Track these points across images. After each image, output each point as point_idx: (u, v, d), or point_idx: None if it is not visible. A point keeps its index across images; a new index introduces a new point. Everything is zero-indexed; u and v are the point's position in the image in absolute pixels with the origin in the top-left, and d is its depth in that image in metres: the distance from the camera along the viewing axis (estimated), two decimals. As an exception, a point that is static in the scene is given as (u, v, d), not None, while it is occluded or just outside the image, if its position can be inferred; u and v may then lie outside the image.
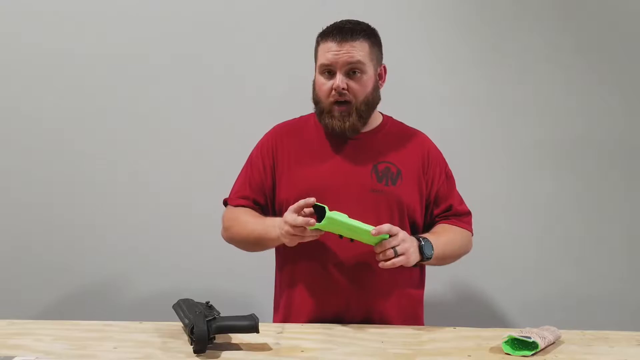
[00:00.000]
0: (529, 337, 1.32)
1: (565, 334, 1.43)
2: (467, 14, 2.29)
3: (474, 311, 2.33)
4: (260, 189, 1.65)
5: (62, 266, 2.29)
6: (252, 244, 1.61)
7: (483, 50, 2.30)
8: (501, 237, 2.29)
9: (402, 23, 2.27)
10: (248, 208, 1.65)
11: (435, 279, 2.28)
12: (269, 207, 1.65)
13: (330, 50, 1.53)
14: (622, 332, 1.48)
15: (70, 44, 2.25)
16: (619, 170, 2.32)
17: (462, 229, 1.67)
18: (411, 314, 1.62)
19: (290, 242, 1.47)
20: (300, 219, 1.41)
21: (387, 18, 2.23)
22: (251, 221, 1.60)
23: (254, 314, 1.33)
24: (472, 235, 1.71)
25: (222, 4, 2.26)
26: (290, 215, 1.43)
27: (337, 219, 1.41)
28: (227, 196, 1.70)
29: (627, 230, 2.33)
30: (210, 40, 2.26)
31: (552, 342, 1.37)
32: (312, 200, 1.43)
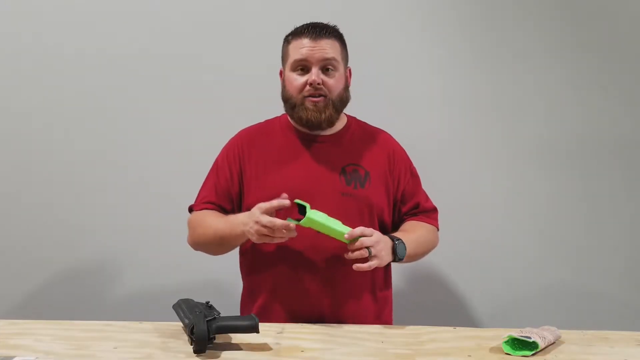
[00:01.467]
0: (529, 337, 1.32)
1: (565, 334, 1.43)
2: (467, 14, 2.28)
3: (473, 311, 2.33)
4: (227, 195, 1.64)
5: (63, 266, 2.29)
6: (217, 244, 1.59)
7: (483, 50, 2.29)
8: (501, 237, 2.29)
9: (402, 23, 2.26)
10: (211, 211, 1.64)
11: (435, 279, 2.29)
12: (236, 213, 1.62)
13: (305, 46, 1.55)
14: (622, 332, 1.48)
15: (70, 44, 2.24)
16: (619, 170, 2.32)
17: (430, 226, 1.69)
18: (379, 315, 1.62)
19: (257, 240, 1.46)
20: (279, 222, 1.40)
21: (387, 18, 2.24)
22: (215, 221, 1.59)
23: (254, 314, 1.33)
24: (438, 230, 1.73)
25: (220, 5, 2.26)
26: (264, 217, 1.41)
27: (317, 220, 1.42)
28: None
29: (627, 230, 2.33)
30: (209, 41, 2.25)
31: (552, 342, 1.37)
32: (286, 202, 1.42)
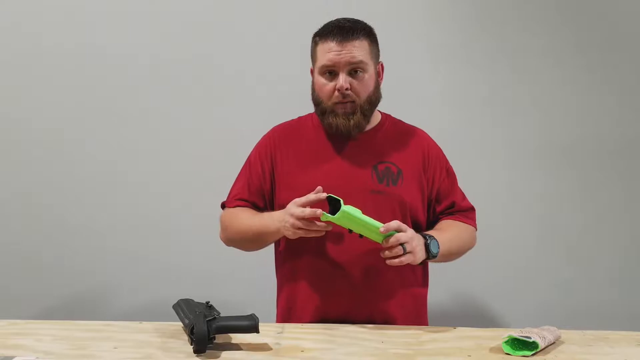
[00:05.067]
0: (529, 337, 1.31)
1: (565, 334, 1.43)
2: (468, 14, 2.29)
3: (474, 311, 2.33)
4: (259, 192, 1.65)
5: (63, 266, 2.29)
6: (250, 240, 1.60)
7: (483, 50, 2.30)
8: (501, 237, 2.29)
9: (403, 23, 2.27)
10: (245, 207, 1.64)
11: (435, 279, 2.27)
12: (268, 210, 1.64)
13: (332, 51, 1.52)
14: (622, 332, 1.48)
15: (71, 44, 2.25)
16: (619, 170, 2.32)
17: (467, 225, 1.67)
18: (415, 314, 1.61)
19: (292, 235, 1.46)
20: (308, 210, 1.41)
21: (387, 18, 2.24)
22: (249, 217, 1.60)
23: (254, 314, 1.33)
24: (476, 230, 1.71)
25: (222, 4, 2.26)
26: (296, 209, 1.43)
27: (352, 214, 1.40)
28: (225, 199, 1.70)
29: (627, 230, 2.33)
30: (210, 41, 2.26)
31: (552, 342, 1.37)
32: (323, 195, 1.43)
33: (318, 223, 1.42)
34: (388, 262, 1.43)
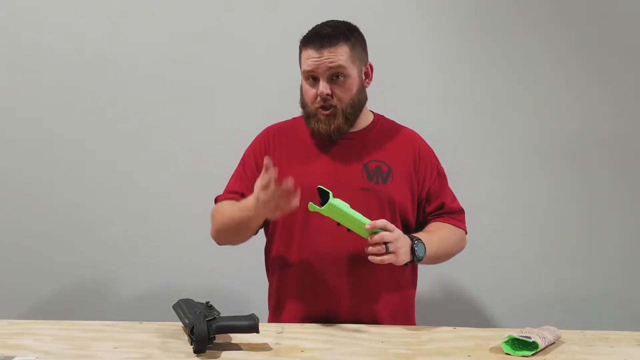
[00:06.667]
0: (529, 337, 1.32)
1: (565, 334, 1.43)
2: (467, 14, 2.29)
3: (473, 311, 2.32)
4: (252, 185, 1.64)
5: (63, 266, 2.29)
6: (234, 229, 1.58)
7: (483, 50, 2.29)
8: (501, 237, 2.29)
9: (402, 23, 2.27)
10: (232, 200, 1.63)
11: (435, 279, 2.29)
12: None
13: (311, 57, 1.54)
14: (622, 332, 1.48)
15: (70, 44, 2.24)
16: (618, 170, 2.32)
17: (456, 227, 1.67)
18: (403, 314, 1.62)
19: (270, 214, 1.44)
20: (263, 175, 1.38)
21: (387, 17, 2.24)
22: (230, 207, 1.59)
23: (254, 314, 1.33)
24: (466, 233, 1.71)
25: (221, 4, 2.26)
26: (257, 182, 1.41)
27: (339, 207, 1.41)
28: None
29: (626, 230, 2.33)
30: (209, 41, 2.25)
31: (552, 342, 1.37)
32: (290, 184, 1.39)
33: (310, 209, 1.40)
34: (370, 258, 1.43)
